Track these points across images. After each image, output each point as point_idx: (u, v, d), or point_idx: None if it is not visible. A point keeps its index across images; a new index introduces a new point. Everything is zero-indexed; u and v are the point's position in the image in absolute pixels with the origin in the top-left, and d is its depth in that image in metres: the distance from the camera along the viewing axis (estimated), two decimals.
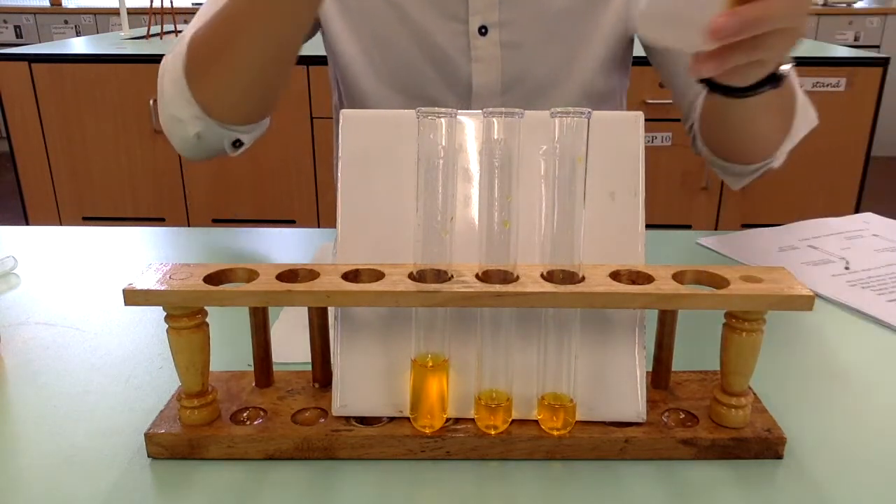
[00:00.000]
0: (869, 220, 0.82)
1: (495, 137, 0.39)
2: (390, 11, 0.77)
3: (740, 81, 0.54)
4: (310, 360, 0.46)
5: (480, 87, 0.78)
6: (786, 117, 0.71)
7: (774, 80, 0.54)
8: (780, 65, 0.54)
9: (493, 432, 0.41)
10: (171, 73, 0.72)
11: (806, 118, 0.74)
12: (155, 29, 2.67)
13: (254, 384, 0.46)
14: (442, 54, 0.77)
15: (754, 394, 0.45)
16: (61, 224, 2.38)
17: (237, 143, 0.74)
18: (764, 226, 0.81)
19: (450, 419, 0.42)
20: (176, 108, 0.72)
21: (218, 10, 0.66)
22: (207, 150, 0.74)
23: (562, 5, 0.76)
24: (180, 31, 2.65)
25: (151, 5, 2.54)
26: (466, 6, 0.74)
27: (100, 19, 4.03)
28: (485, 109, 0.39)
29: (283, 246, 0.78)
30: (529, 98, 0.78)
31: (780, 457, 0.42)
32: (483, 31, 0.75)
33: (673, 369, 0.46)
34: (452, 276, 0.40)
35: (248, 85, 0.69)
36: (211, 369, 0.42)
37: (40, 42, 3.89)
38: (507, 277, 0.40)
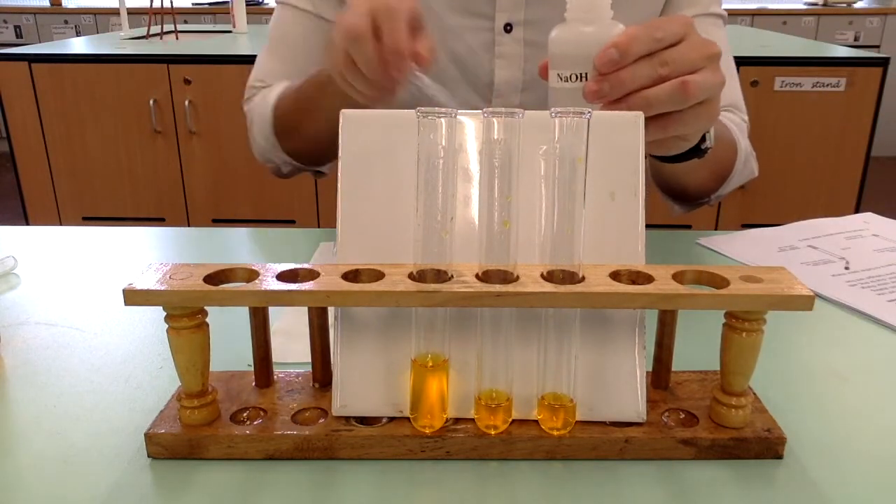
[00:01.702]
0: (869, 220, 0.82)
1: (495, 137, 0.39)
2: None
3: (664, 153, 0.59)
4: (310, 360, 0.46)
5: (502, 84, 0.80)
6: (718, 174, 0.78)
7: (699, 152, 0.59)
8: (703, 139, 0.59)
9: (493, 432, 0.41)
10: (260, 128, 0.82)
11: (744, 171, 0.82)
12: (155, 29, 2.67)
13: (254, 384, 0.46)
14: (466, 50, 0.79)
15: (754, 394, 0.45)
16: (61, 224, 2.38)
17: (318, 173, 0.89)
18: (764, 226, 0.81)
19: (450, 419, 0.42)
20: (269, 153, 0.84)
21: (296, 86, 0.77)
22: (294, 175, 0.89)
23: None
24: (180, 31, 2.65)
25: (151, 5, 2.54)
26: (494, 3, 0.77)
27: (100, 19, 4.03)
28: (484, 109, 0.39)
29: (283, 246, 0.78)
30: None
31: (780, 457, 0.42)
32: (508, 28, 0.78)
33: (673, 369, 0.46)
34: (452, 276, 0.40)
35: (326, 143, 0.77)
36: (211, 369, 0.42)
37: (40, 42, 3.89)
38: (507, 277, 0.40)
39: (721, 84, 0.52)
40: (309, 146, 0.82)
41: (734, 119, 0.83)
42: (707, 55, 0.51)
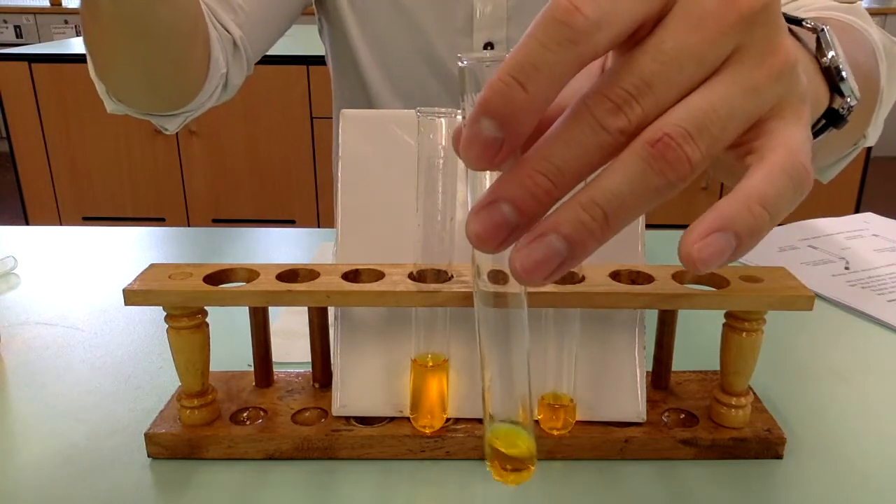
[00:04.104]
0: (869, 220, 0.82)
1: None
2: (400, 19, 0.76)
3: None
4: (310, 360, 0.46)
5: None
6: (865, 107, 0.52)
7: (836, 120, 0.37)
8: (838, 91, 0.37)
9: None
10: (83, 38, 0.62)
11: (893, 76, 0.54)
12: None
13: (254, 384, 0.46)
14: (445, 68, 0.76)
15: (754, 394, 0.45)
16: (61, 224, 2.38)
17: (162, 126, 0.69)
18: None
19: (450, 419, 0.42)
20: (93, 77, 0.63)
21: None
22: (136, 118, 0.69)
23: None
24: None
25: None
26: (471, 21, 0.73)
27: None
28: None
29: (283, 246, 0.78)
30: None
31: (780, 457, 0.42)
32: (489, 47, 0.74)
33: (673, 369, 0.46)
34: (452, 276, 0.40)
35: (133, 60, 0.59)
36: (211, 369, 0.42)
37: (40, 42, 3.89)
38: (507, 277, 0.40)
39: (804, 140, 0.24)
40: (117, 64, 0.60)
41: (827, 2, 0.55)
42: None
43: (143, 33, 0.55)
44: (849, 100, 0.36)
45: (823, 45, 0.36)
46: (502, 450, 0.28)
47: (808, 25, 0.38)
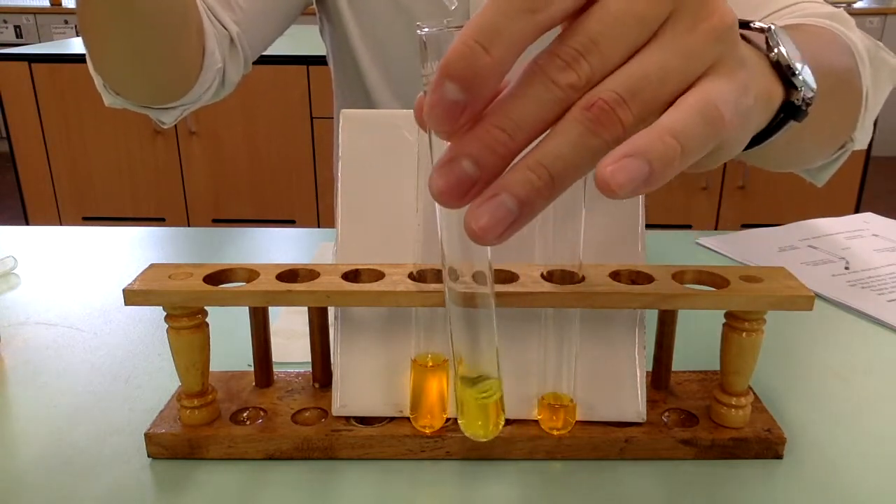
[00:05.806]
0: (869, 220, 0.82)
1: None
2: (399, 19, 0.77)
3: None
4: (310, 360, 0.46)
5: None
6: (841, 106, 0.52)
7: (795, 112, 0.36)
8: (792, 86, 0.36)
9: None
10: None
11: (883, 71, 0.55)
12: None
13: (254, 384, 0.46)
14: None
15: (754, 394, 0.45)
16: (61, 224, 2.38)
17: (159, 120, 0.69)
18: (764, 226, 0.81)
19: (450, 419, 0.42)
20: (91, 71, 0.64)
21: None
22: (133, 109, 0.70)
23: None
24: None
25: None
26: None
27: None
28: None
29: (283, 246, 0.78)
30: None
31: (780, 457, 0.42)
32: None
33: (673, 369, 0.46)
34: None
35: (127, 45, 0.59)
36: (211, 369, 0.42)
37: (40, 42, 3.89)
38: (507, 277, 0.40)
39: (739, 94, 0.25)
40: (109, 46, 0.60)
41: (807, 9, 0.56)
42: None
43: (132, 12, 0.55)
44: (803, 91, 0.36)
45: (771, 43, 0.37)
46: (472, 400, 0.31)
47: (756, 27, 0.38)
